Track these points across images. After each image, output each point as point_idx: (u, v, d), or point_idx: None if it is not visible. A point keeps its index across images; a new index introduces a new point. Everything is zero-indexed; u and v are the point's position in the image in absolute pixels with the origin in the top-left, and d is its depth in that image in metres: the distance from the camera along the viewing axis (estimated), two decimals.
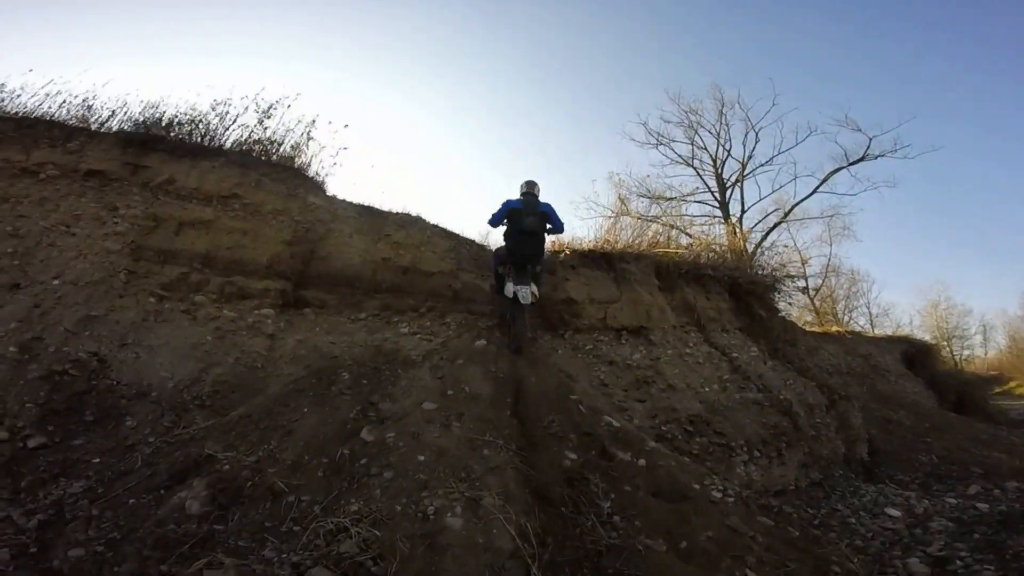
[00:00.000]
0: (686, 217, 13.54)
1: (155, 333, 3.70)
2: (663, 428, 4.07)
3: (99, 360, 3.30)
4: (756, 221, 14.35)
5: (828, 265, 15.07)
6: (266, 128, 4.48)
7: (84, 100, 4.32)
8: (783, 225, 14.44)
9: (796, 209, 14.62)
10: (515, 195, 4.25)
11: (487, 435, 3.24)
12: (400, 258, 4.63)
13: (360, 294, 4.50)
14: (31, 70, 4.28)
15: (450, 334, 4.58)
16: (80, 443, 2.83)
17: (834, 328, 9.90)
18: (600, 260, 5.09)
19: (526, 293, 3.71)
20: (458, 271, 4.89)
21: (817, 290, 14.79)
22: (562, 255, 5.15)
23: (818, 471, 4.78)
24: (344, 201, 4.78)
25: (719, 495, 3.32)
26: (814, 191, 14.47)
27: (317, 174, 4.77)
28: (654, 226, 5.83)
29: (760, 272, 6.59)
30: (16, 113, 4.09)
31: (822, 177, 14.44)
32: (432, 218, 5.25)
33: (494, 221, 4.16)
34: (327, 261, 4.46)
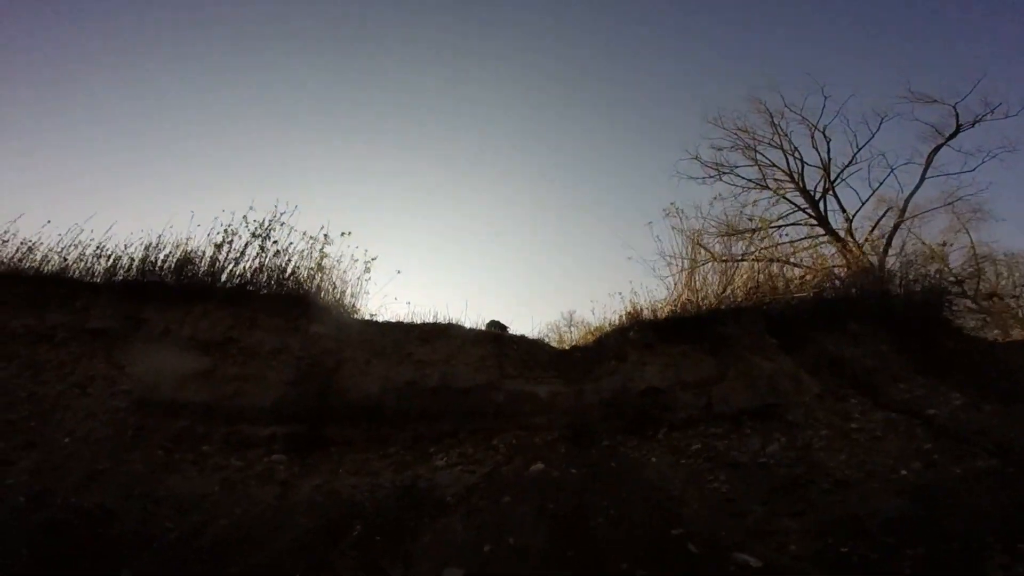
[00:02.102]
0: (783, 246, 11.75)
1: (164, 485, 3.64)
2: (842, 551, 2.56)
3: (104, 511, 3.26)
4: (869, 229, 12.22)
5: (975, 256, 11.93)
6: (264, 251, 4.41)
7: (96, 250, 4.72)
8: (900, 227, 12.11)
9: (917, 202, 12.39)
10: None
11: None
12: (427, 379, 4.06)
13: (386, 426, 3.93)
14: (48, 222, 4.84)
15: (498, 460, 3.70)
16: None
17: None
18: (684, 328, 4.00)
19: None
20: (501, 380, 4.12)
21: (980, 292, 11.45)
22: (631, 332, 4.16)
23: None
24: (357, 322, 4.48)
25: None
26: (923, 179, 12.36)
27: (330, 295, 4.51)
28: (744, 266, 4.56)
29: (918, 285, 4.85)
30: (31, 271, 4.61)
31: (922, 162, 12.41)
32: (472, 319, 4.65)
33: None
34: (344, 394, 4.03)
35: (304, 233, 4.85)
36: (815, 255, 8.85)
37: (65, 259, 4.52)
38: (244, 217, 4.50)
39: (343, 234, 4.83)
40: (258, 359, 3.90)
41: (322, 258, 4.90)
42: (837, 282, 4.89)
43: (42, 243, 4.92)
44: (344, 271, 5.02)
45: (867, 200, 12.75)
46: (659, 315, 4.37)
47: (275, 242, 4.61)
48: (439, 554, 2.73)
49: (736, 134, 13.95)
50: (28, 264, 4.68)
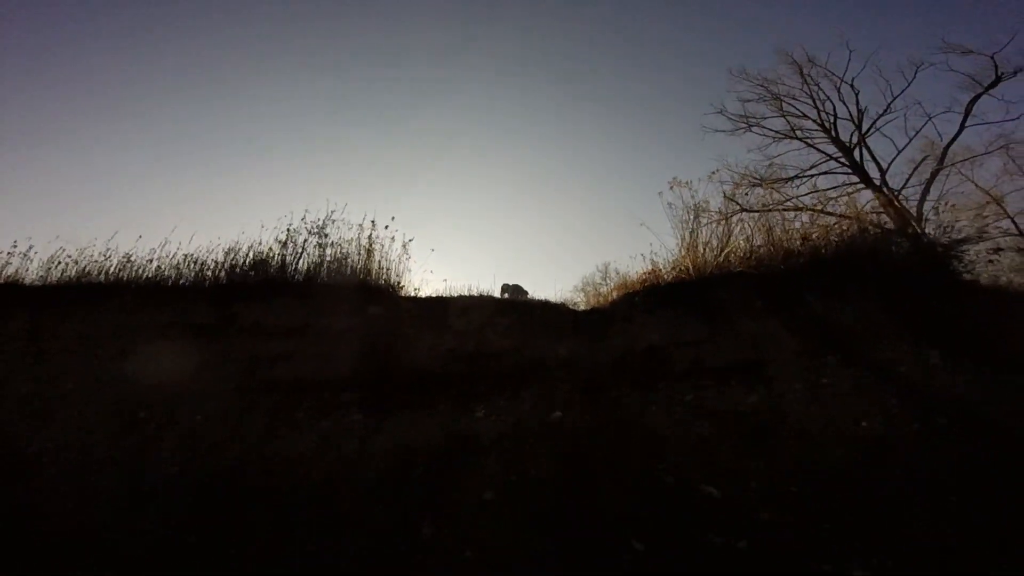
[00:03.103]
0: (810, 195, 11.88)
1: (272, 447, 4.64)
2: (791, 491, 3.36)
3: (233, 472, 4.26)
4: (906, 176, 12.21)
5: None
6: (324, 248, 5.36)
7: (184, 257, 5.81)
8: (948, 174, 11.84)
9: (955, 150, 12.41)
10: None
11: (539, 529, 3.16)
12: (464, 346, 4.98)
13: (434, 388, 4.90)
14: (140, 237, 5.99)
15: (524, 410, 4.62)
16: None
17: None
18: (681, 293, 4.67)
19: None
20: (525, 343, 4.97)
21: None
22: (636, 298, 4.87)
23: None
24: (405, 299, 5.40)
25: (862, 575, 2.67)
26: (962, 127, 12.38)
27: (382, 280, 5.44)
28: (748, 225, 5.09)
29: (925, 237, 5.18)
30: (147, 279, 5.71)
31: (961, 111, 12.43)
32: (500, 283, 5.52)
33: None
34: (400, 363, 5.01)
35: (353, 224, 5.78)
36: (849, 204, 8.93)
37: (160, 267, 5.63)
38: (303, 219, 5.45)
39: (387, 226, 5.71)
40: (330, 339, 4.94)
41: (370, 244, 5.82)
42: (843, 236, 5.26)
43: (137, 255, 6.03)
44: (387, 253, 5.96)
45: (904, 148, 12.54)
46: (662, 280, 5.04)
47: (327, 235, 5.56)
48: (478, 484, 3.75)
49: (763, 85, 13.63)
50: (127, 275, 5.82)
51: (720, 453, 3.89)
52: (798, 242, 5.06)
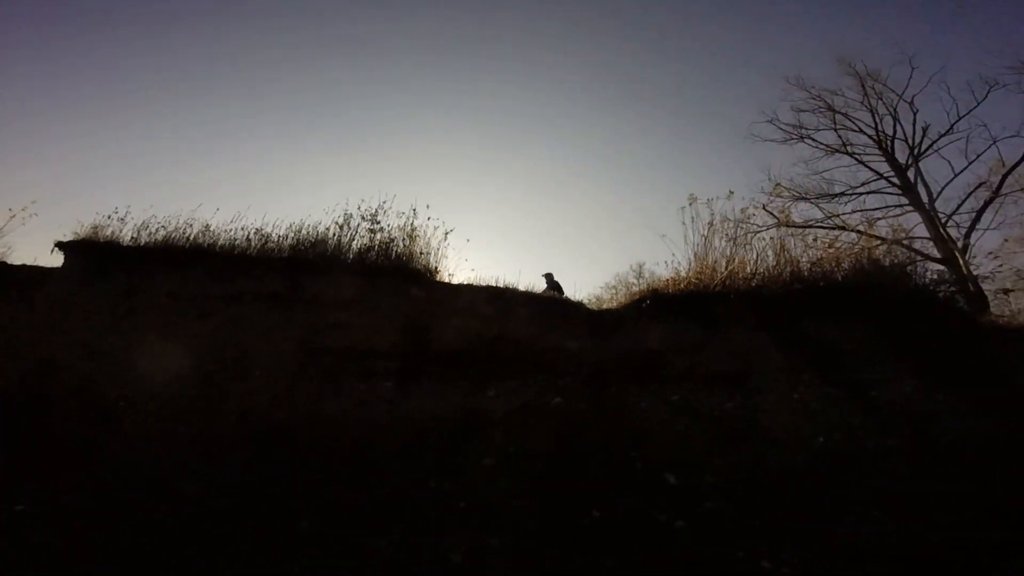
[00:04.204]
0: (856, 215, 11.72)
1: (319, 406, 5.51)
2: (740, 488, 4.03)
3: (285, 426, 5.14)
4: (959, 202, 11.80)
5: None
6: (375, 233, 6.25)
7: (257, 231, 6.72)
8: (1016, 201, 11.30)
9: (1015, 179, 11.64)
10: None
11: (525, 491, 3.99)
12: (488, 331, 5.76)
13: (458, 366, 5.73)
14: (218, 209, 7.02)
15: (531, 394, 5.40)
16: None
17: None
18: (684, 304, 5.28)
19: None
20: (542, 335, 5.72)
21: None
22: (644, 303, 5.51)
23: (1007, 530, 3.64)
24: (442, 285, 6.22)
25: (769, 565, 3.34)
26: None
27: (424, 266, 6.29)
28: (758, 246, 5.61)
29: (932, 281, 5.52)
30: (221, 247, 6.62)
31: None
32: (524, 282, 6.29)
33: None
34: (432, 341, 5.87)
35: (400, 212, 6.66)
36: (895, 226, 8.96)
37: (235, 238, 6.63)
38: (358, 207, 6.38)
39: (429, 218, 6.56)
40: (378, 314, 5.84)
41: (413, 230, 6.68)
42: (852, 265, 5.65)
43: (215, 225, 6.89)
44: (428, 240, 6.80)
45: (961, 171, 12.04)
46: (671, 290, 5.64)
47: (378, 222, 6.46)
48: (482, 452, 4.61)
49: (820, 96, 13.28)
50: (206, 242, 6.75)
51: (691, 448, 4.57)
52: (806, 266, 5.51)
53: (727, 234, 5.78)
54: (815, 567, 3.25)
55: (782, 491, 4.01)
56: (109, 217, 6.83)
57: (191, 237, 6.68)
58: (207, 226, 6.83)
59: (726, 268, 5.40)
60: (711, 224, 5.64)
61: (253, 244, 6.58)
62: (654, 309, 5.55)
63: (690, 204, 5.84)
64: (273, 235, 6.62)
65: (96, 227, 6.67)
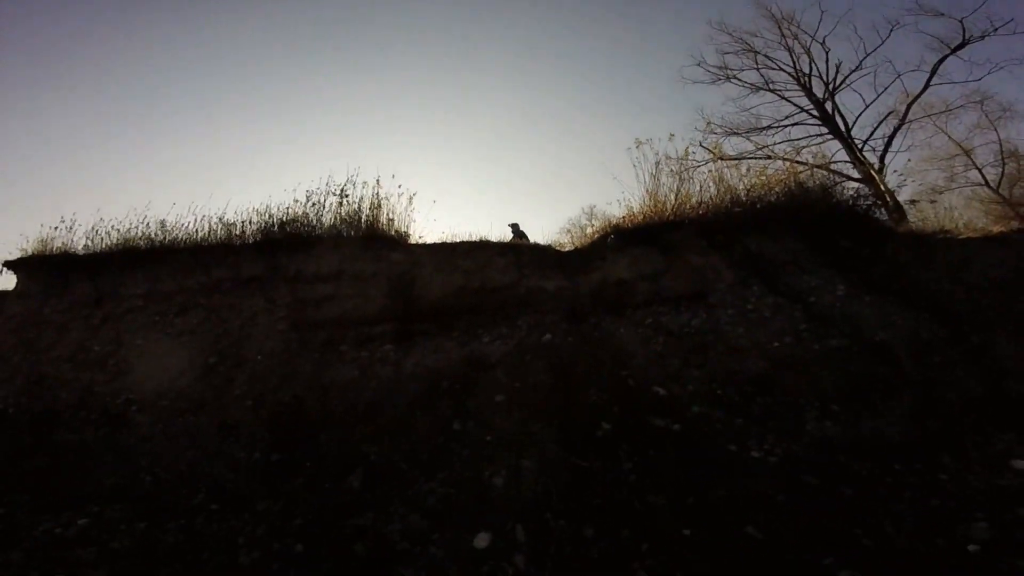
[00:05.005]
0: (783, 145, 13.36)
1: (324, 377, 5.84)
2: (719, 392, 4.85)
3: (297, 400, 5.47)
4: (872, 129, 14.24)
5: (1002, 151, 13.51)
6: (342, 206, 6.44)
7: (221, 220, 6.69)
8: (921, 126, 14.13)
9: (933, 104, 14.36)
10: None
11: (539, 419, 4.63)
12: (471, 283, 6.22)
13: (449, 319, 6.19)
14: (174, 204, 6.88)
15: (522, 334, 6.01)
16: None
17: (1002, 227, 8.50)
18: (644, 235, 5.94)
19: None
20: (520, 279, 6.26)
21: (999, 182, 13.07)
22: (608, 239, 6.13)
23: (938, 421, 4.36)
24: (421, 246, 6.57)
25: (758, 455, 4.07)
26: (927, 85, 14.10)
27: (396, 231, 6.56)
28: (697, 176, 6.35)
29: (851, 196, 6.48)
30: (185, 240, 6.58)
31: (928, 70, 14.04)
32: (496, 234, 6.73)
33: None
34: (420, 300, 6.27)
35: (364, 183, 6.79)
36: (817, 153, 10.20)
37: (204, 229, 6.53)
38: (326, 182, 6.49)
39: (400, 185, 6.74)
40: (362, 282, 6.12)
41: (378, 199, 6.86)
42: (784, 189, 6.49)
43: (172, 221, 6.69)
44: (393, 206, 7.02)
45: (872, 103, 13.82)
46: (629, 224, 6.30)
47: (347, 194, 6.59)
48: (490, 391, 5.21)
49: (741, 38, 14.39)
50: (167, 239, 6.54)
51: (670, 363, 5.38)
52: (743, 192, 6.29)
53: (672, 170, 6.41)
54: (796, 454, 4.08)
55: (753, 394, 4.91)
56: (55, 228, 6.51)
57: (150, 235, 6.55)
58: (162, 223, 6.70)
59: (675, 200, 6.08)
60: (657, 163, 6.25)
61: (218, 232, 6.55)
62: (619, 243, 6.19)
63: (637, 146, 6.40)
64: (238, 220, 6.61)
65: (43, 240, 6.37)
